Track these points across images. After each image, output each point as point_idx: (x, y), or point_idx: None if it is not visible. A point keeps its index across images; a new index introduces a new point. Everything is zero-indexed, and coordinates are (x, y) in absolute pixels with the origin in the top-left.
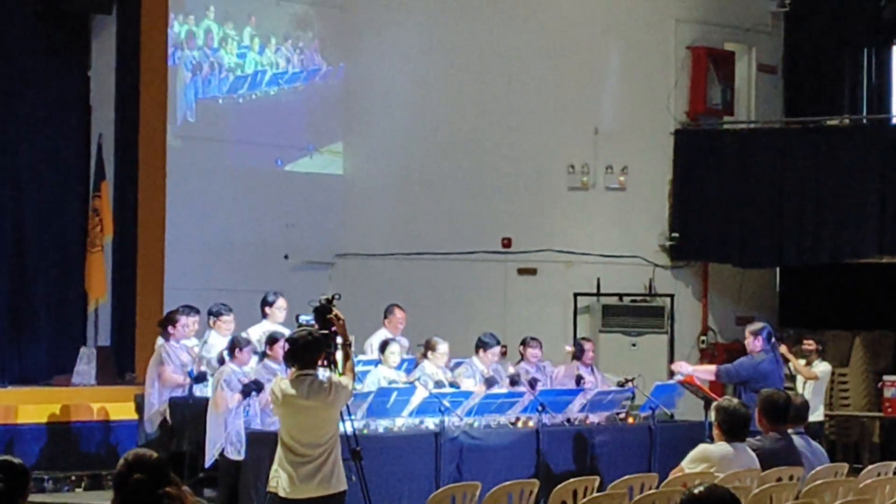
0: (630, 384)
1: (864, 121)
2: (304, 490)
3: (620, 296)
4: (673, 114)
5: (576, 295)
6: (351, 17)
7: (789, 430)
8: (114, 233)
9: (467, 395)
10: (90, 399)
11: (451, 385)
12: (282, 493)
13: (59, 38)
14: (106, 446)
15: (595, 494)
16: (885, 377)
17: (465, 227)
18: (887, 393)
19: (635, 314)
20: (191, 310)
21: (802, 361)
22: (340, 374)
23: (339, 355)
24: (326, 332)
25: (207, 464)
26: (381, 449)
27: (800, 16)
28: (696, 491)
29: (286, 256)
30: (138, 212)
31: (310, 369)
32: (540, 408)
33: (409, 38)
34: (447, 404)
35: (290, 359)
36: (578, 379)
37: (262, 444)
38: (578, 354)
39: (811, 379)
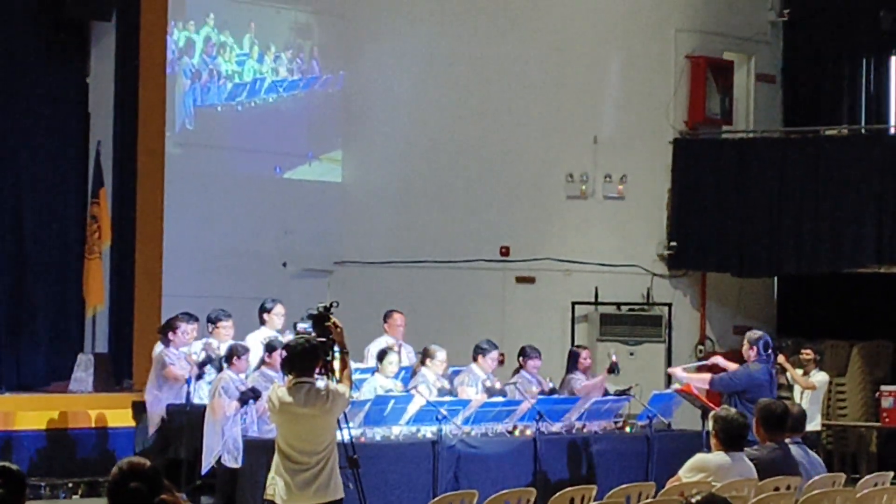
0: (627, 393)
1: (863, 130)
2: (300, 498)
3: (618, 304)
4: (672, 123)
5: (574, 304)
6: (351, 26)
7: (787, 440)
8: (112, 240)
9: (465, 403)
10: (88, 406)
11: (449, 393)
12: (278, 501)
13: (58, 45)
14: (103, 453)
15: (592, 503)
16: (883, 387)
17: (464, 236)
18: (885, 403)
19: (633, 323)
20: (190, 317)
21: (800, 371)
22: (338, 382)
23: (336, 363)
24: (324, 339)
25: (204, 471)
26: (379, 457)
27: (799, 25)
28: (693, 500)
29: (284, 264)
30: (136, 219)
31: (307, 377)
32: (537, 416)
33: (409, 46)
34: (444, 413)
35: (288, 366)
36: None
37: (259, 452)
38: (573, 362)
39: (809, 388)
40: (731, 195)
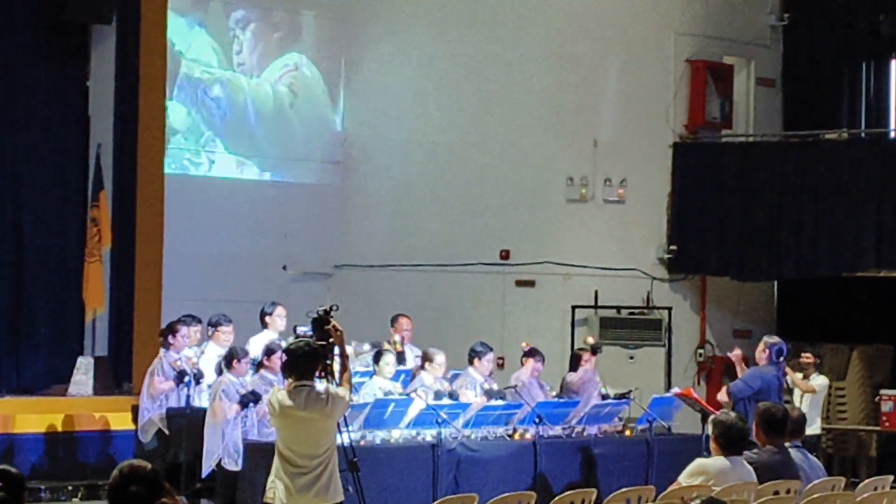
0: (627, 397)
1: (863, 134)
2: (300, 501)
3: (618, 308)
4: (672, 127)
5: (574, 307)
6: (350, 29)
7: (786, 444)
8: (112, 243)
9: (465, 406)
10: (88, 409)
11: (451, 395)
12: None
13: (58, 49)
14: (103, 456)
15: None
16: (883, 391)
17: (464, 239)
18: (884, 407)
19: (633, 327)
20: (192, 319)
21: (800, 375)
22: (338, 386)
23: (336, 366)
24: (324, 343)
25: (204, 474)
26: (379, 460)
27: (799, 29)
28: None
29: (284, 267)
30: (137, 222)
31: (307, 380)
32: (537, 419)
33: (409, 49)
34: (444, 416)
35: (288, 370)
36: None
37: (259, 455)
38: (574, 364)
39: (809, 392)
40: (731, 199)
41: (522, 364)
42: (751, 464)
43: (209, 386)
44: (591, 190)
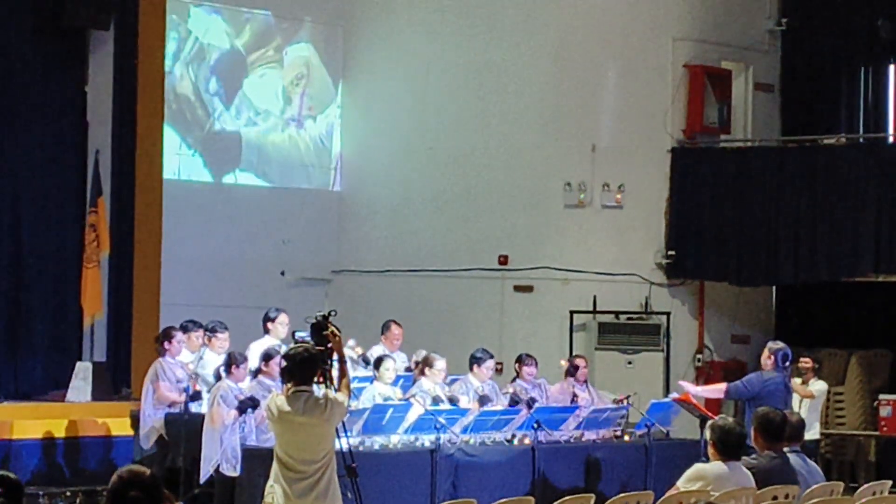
0: (626, 402)
1: (861, 139)
2: None
3: (617, 313)
4: (670, 132)
5: (572, 312)
6: (348, 34)
7: (785, 449)
8: (110, 248)
9: (463, 412)
10: (86, 415)
11: (450, 401)
12: None
13: (56, 54)
14: (101, 462)
15: None
16: (881, 396)
17: (462, 244)
18: (883, 412)
19: (631, 332)
20: (194, 325)
21: (798, 380)
22: (336, 391)
23: (334, 372)
24: (322, 348)
25: (202, 480)
26: (377, 466)
27: (797, 34)
28: None
29: (283, 273)
30: (135, 228)
31: (306, 386)
32: (536, 425)
33: (407, 54)
34: (443, 421)
35: (287, 375)
36: (573, 397)
37: (257, 460)
38: (572, 371)
39: (807, 397)
40: (729, 204)
41: (516, 371)
42: (749, 469)
43: (208, 392)
44: (590, 195)
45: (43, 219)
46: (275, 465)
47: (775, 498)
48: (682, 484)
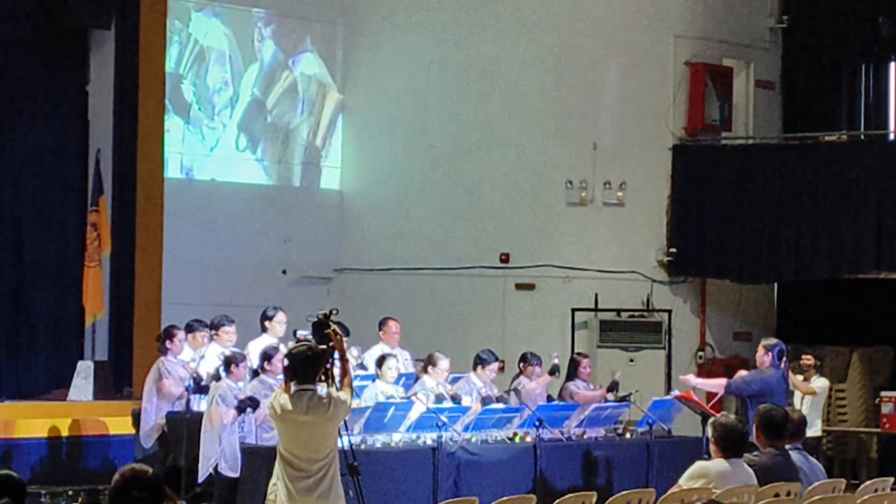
0: (627, 399)
1: (862, 137)
2: None
3: (618, 311)
4: (671, 129)
5: (574, 310)
6: (350, 33)
7: (787, 446)
8: (112, 247)
9: (465, 410)
10: (87, 414)
11: (453, 399)
12: None
13: (57, 53)
14: (103, 461)
15: None
16: (883, 393)
17: (463, 243)
18: (885, 409)
19: (633, 329)
20: (199, 324)
21: (800, 377)
22: (338, 390)
23: (336, 370)
24: (324, 347)
25: (200, 479)
26: (379, 464)
27: (798, 32)
28: None
29: (284, 271)
30: (136, 226)
31: (309, 384)
32: (537, 423)
33: (409, 52)
34: (445, 419)
35: (290, 374)
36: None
37: (258, 460)
38: (573, 370)
39: (809, 394)
40: (731, 201)
41: (520, 370)
42: (751, 466)
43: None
44: (591, 193)
45: (44, 218)
46: (278, 463)
47: (777, 495)
48: (683, 481)
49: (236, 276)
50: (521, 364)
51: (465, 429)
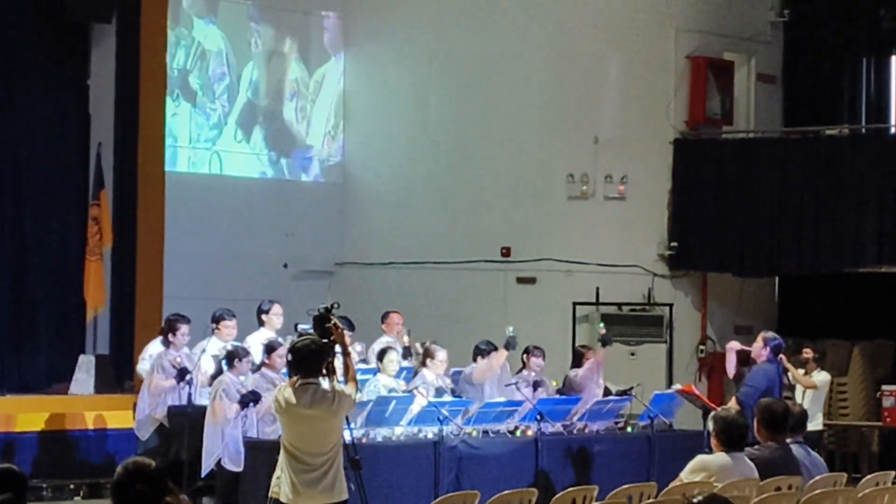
0: (629, 393)
1: (863, 130)
2: (306, 498)
3: (619, 305)
4: (672, 123)
5: (575, 304)
6: (351, 26)
7: (788, 440)
8: (113, 241)
9: (466, 403)
10: (89, 407)
11: (452, 392)
12: (283, 500)
13: (58, 48)
14: (104, 454)
15: None
16: (884, 387)
17: (465, 236)
18: (886, 402)
19: (634, 323)
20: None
21: (801, 371)
22: (338, 382)
23: (337, 363)
24: (326, 340)
25: (204, 473)
26: (380, 458)
27: (799, 25)
28: (695, 500)
29: (285, 265)
30: (137, 220)
31: (312, 378)
32: (539, 417)
33: (410, 46)
34: (446, 413)
35: (294, 368)
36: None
37: (260, 453)
38: (577, 361)
39: (810, 388)
40: (732, 195)
41: (524, 362)
42: (752, 460)
43: (192, 373)
44: (592, 187)
45: (45, 212)
46: (282, 457)
47: (778, 489)
48: (685, 475)
49: (238, 270)
50: (525, 356)
51: (467, 422)
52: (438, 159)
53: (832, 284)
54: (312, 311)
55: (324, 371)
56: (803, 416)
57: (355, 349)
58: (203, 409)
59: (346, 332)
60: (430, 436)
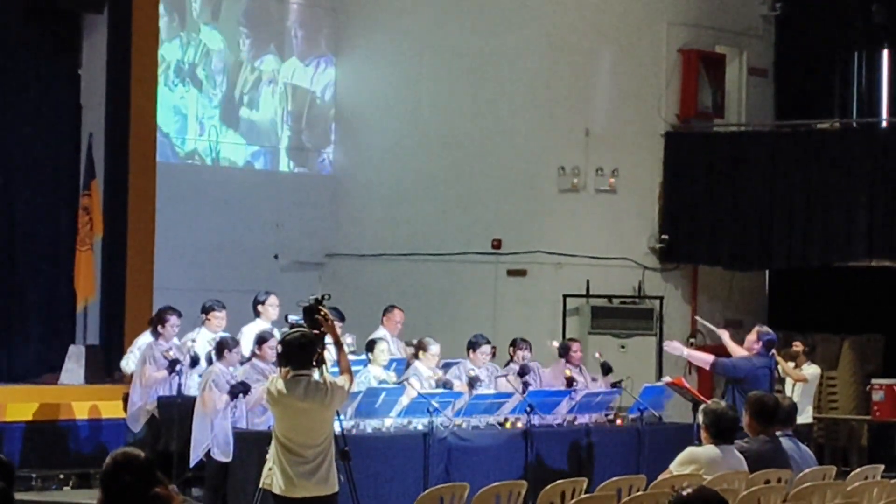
0: (619, 386)
1: (855, 124)
2: (300, 489)
3: (610, 298)
4: (663, 116)
5: (565, 297)
6: (342, 18)
7: (777, 433)
8: (104, 232)
9: (456, 395)
10: (79, 398)
11: (444, 385)
12: (276, 491)
13: (49, 37)
14: (94, 445)
15: (583, 496)
16: (874, 380)
17: (455, 228)
18: (875, 396)
19: (624, 316)
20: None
21: (791, 364)
22: (330, 374)
23: (326, 354)
24: (316, 332)
25: (192, 463)
26: (370, 449)
27: (791, 19)
28: (684, 493)
29: (276, 256)
30: (128, 211)
31: (304, 370)
32: (529, 409)
33: (401, 39)
34: (436, 405)
35: (285, 360)
36: (570, 381)
37: (249, 444)
38: (563, 354)
39: (800, 381)
40: (723, 189)
41: (510, 355)
42: (742, 453)
43: (199, 375)
44: (583, 179)
45: (36, 202)
46: (274, 448)
47: (768, 482)
48: (674, 467)
49: (228, 260)
50: (512, 349)
51: (457, 414)
52: (430, 151)
53: (822, 278)
54: (303, 303)
55: (314, 362)
56: (793, 410)
57: (346, 340)
58: (192, 400)
59: (336, 323)
60: (419, 427)
